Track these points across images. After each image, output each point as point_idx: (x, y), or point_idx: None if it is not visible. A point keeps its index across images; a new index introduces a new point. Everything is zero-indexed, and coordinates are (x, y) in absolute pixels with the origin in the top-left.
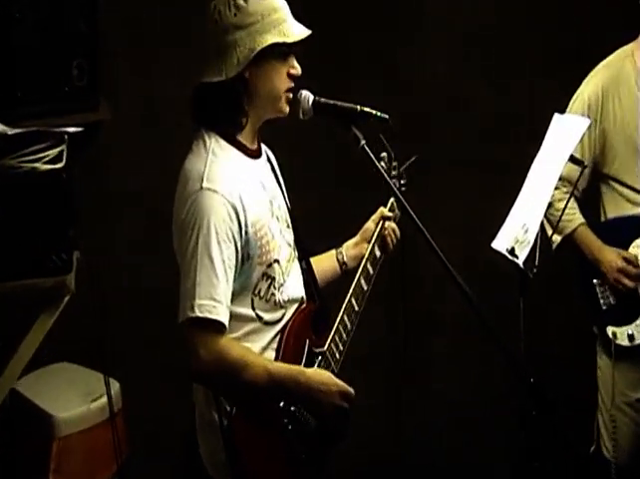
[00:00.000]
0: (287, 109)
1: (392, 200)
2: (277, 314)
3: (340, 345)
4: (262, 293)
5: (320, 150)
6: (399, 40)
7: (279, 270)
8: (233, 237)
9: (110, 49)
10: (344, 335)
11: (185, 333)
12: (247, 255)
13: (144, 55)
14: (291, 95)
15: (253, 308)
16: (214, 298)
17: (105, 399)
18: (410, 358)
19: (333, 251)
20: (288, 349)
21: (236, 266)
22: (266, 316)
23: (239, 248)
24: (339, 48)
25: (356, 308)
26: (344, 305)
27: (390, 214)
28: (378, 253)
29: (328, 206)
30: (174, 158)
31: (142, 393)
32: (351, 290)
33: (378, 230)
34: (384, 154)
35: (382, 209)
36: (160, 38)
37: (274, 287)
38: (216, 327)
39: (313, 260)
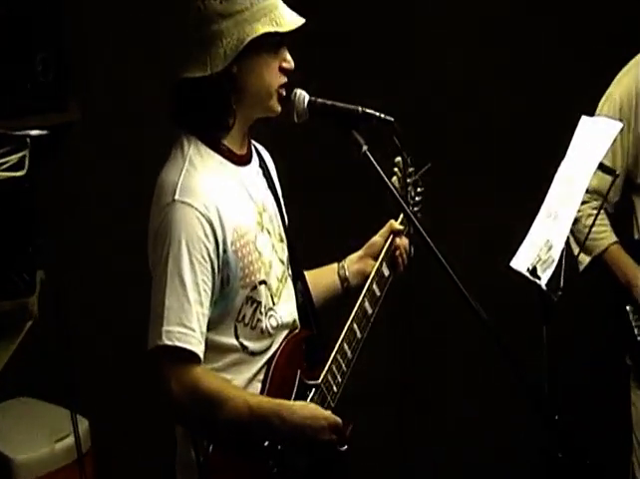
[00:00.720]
0: (279, 107)
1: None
2: (264, 343)
3: (338, 377)
4: (247, 320)
5: (316, 153)
6: (405, 37)
7: (266, 293)
8: (209, 256)
9: (79, 41)
10: (343, 366)
11: (155, 364)
12: (227, 277)
13: (117, 48)
14: (284, 92)
15: (237, 337)
16: (185, 324)
17: (71, 439)
18: (418, 394)
19: (335, 265)
20: (275, 382)
21: (214, 290)
22: (252, 346)
23: (216, 269)
24: (340, 43)
25: (358, 335)
26: (344, 332)
27: (401, 227)
28: (386, 273)
29: (326, 217)
30: (151, 164)
31: (113, 431)
32: (353, 314)
33: (387, 245)
34: (398, 158)
35: (392, 222)
36: (135, 28)
37: (260, 313)
38: (187, 357)
39: (311, 275)
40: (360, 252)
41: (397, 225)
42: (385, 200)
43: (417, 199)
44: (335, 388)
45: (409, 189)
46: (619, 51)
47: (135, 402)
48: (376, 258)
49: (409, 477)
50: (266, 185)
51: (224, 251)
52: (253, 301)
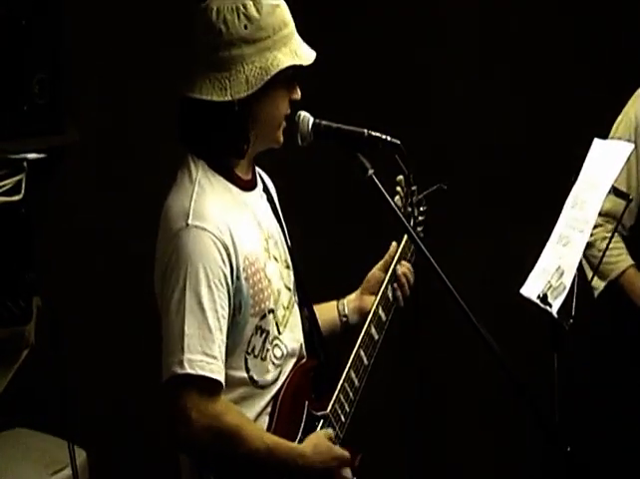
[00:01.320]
0: (282, 139)
1: (406, 237)
2: (273, 375)
3: (346, 406)
4: (257, 351)
5: (317, 176)
6: (415, 60)
7: (273, 322)
8: (226, 281)
9: (76, 62)
10: (351, 394)
11: (170, 394)
12: (239, 305)
13: (115, 69)
14: (285, 123)
15: (247, 370)
16: (207, 353)
17: (69, 471)
18: (424, 424)
19: (333, 303)
20: (283, 415)
21: (229, 317)
22: (261, 379)
23: (231, 295)
24: (345, 63)
25: (365, 362)
26: (351, 359)
27: (401, 254)
28: (391, 297)
29: (328, 244)
30: (151, 189)
31: (112, 463)
32: (359, 341)
33: (382, 289)
34: (400, 177)
35: (392, 249)
36: (135, 49)
37: (269, 342)
38: (211, 387)
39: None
40: (358, 290)
41: (398, 251)
42: (386, 225)
43: (420, 218)
44: (343, 418)
45: (412, 208)
46: (635, 71)
47: (134, 433)
48: (375, 293)
49: None
50: (270, 209)
51: (237, 278)
52: (262, 331)
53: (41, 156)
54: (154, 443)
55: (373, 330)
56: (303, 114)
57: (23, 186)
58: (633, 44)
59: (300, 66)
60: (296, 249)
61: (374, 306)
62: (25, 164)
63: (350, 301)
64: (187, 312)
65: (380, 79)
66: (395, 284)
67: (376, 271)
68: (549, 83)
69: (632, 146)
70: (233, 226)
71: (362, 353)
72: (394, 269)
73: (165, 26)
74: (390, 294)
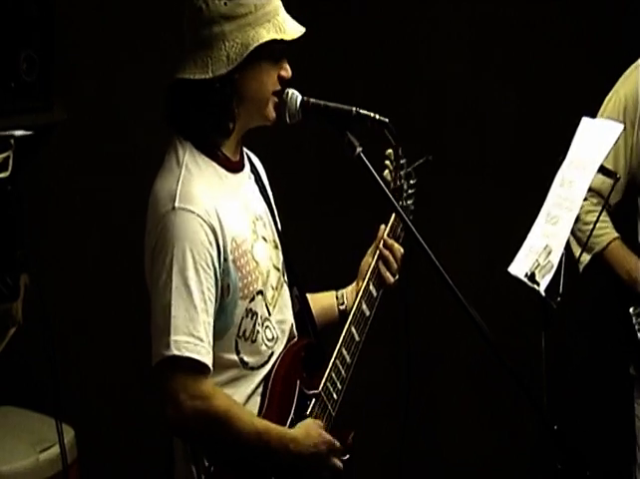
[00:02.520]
0: (274, 115)
1: (394, 215)
2: (264, 356)
3: (338, 384)
4: (247, 334)
5: (303, 157)
6: (405, 35)
7: (262, 303)
8: (213, 263)
9: (64, 39)
10: (342, 372)
11: (160, 376)
12: (227, 287)
13: (104, 46)
14: (277, 99)
15: (238, 352)
16: (194, 335)
17: (56, 449)
18: (415, 405)
19: (332, 292)
20: (275, 395)
21: (217, 300)
22: (252, 360)
23: (219, 278)
24: (336, 44)
25: (356, 339)
26: (342, 336)
27: (390, 231)
28: (374, 292)
29: (314, 226)
30: (141, 168)
31: (99, 442)
32: (350, 318)
33: (372, 265)
34: (389, 150)
35: (381, 229)
36: (123, 27)
37: (259, 324)
38: (198, 368)
39: (310, 298)
40: (354, 283)
41: (385, 233)
42: (377, 206)
43: (410, 191)
44: (335, 395)
45: (401, 181)
46: (623, 52)
47: (122, 411)
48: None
49: None
50: (258, 191)
51: (225, 260)
52: (253, 314)
53: (28, 133)
54: (142, 421)
55: (364, 307)
56: (291, 91)
57: (10, 163)
58: (623, 25)
59: (288, 43)
60: (285, 230)
61: (364, 283)
62: (12, 141)
63: (348, 291)
64: (174, 294)
65: (372, 58)
66: (380, 266)
67: (368, 258)
68: (542, 62)
69: (622, 126)
70: (220, 208)
71: (353, 330)
72: (375, 263)
73: (157, 5)
74: (372, 291)
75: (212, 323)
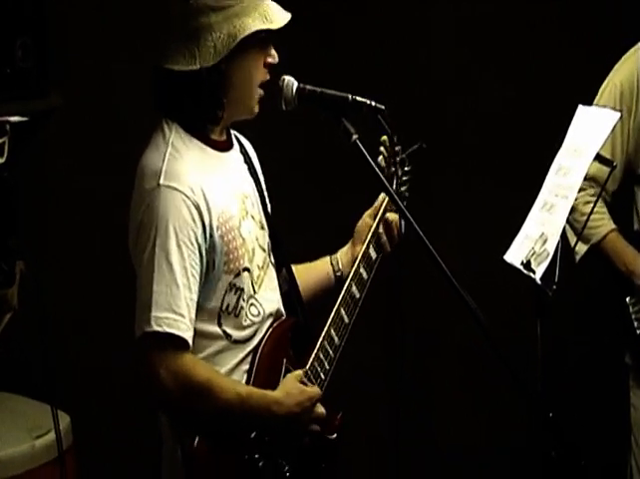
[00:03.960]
0: (257, 109)
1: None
2: (248, 332)
3: (326, 364)
4: (230, 308)
5: (293, 141)
6: (405, 35)
7: (248, 280)
8: (197, 240)
9: (60, 26)
10: (330, 352)
11: (142, 351)
12: (212, 262)
13: (100, 33)
14: (263, 92)
15: (220, 325)
16: (174, 310)
17: (52, 435)
18: (409, 392)
19: (326, 258)
20: (261, 371)
21: (201, 275)
22: (235, 334)
23: (203, 254)
24: (327, 32)
25: (346, 320)
26: (331, 317)
27: (387, 205)
28: (374, 255)
29: (305, 210)
30: (134, 153)
31: (95, 428)
32: (340, 299)
33: (374, 226)
34: (384, 137)
35: (380, 198)
36: (118, 14)
37: (243, 300)
38: (177, 344)
39: (302, 268)
40: (349, 243)
41: (385, 201)
42: (368, 190)
43: (404, 178)
44: (322, 375)
45: (396, 167)
46: (619, 40)
47: (117, 397)
48: (364, 242)
49: (398, 471)
50: (248, 171)
51: (211, 236)
52: (237, 289)
53: (24, 119)
54: (137, 407)
55: (354, 289)
56: (287, 78)
57: (6, 149)
58: (619, 22)
59: (275, 31)
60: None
61: (355, 265)
62: (7, 127)
63: (343, 254)
64: (156, 270)
65: (371, 57)
66: (381, 230)
67: (365, 219)
68: (540, 60)
69: (618, 114)
70: (207, 185)
71: (342, 312)
72: (376, 227)
73: None
74: (372, 253)
75: (195, 299)
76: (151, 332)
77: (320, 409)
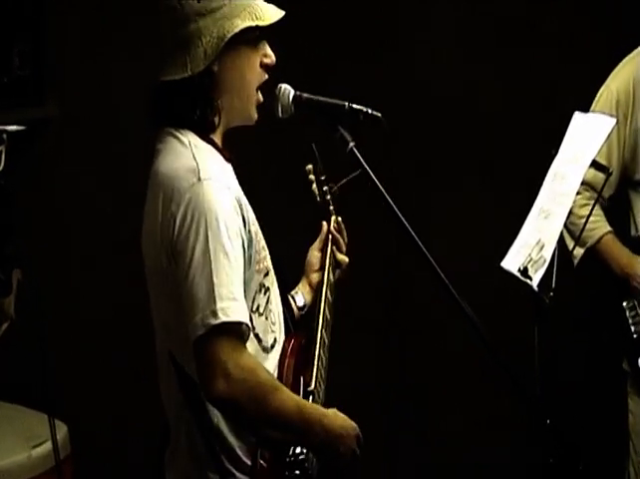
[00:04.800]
0: (255, 115)
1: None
2: (271, 337)
3: (321, 383)
4: (262, 309)
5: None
6: (395, 28)
7: (272, 280)
8: (240, 233)
9: (57, 34)
10: (322, 372)
11: (206, 349)
12: (249, 258)
13: (97, 42)
14: (261, 97)
15: (253, 327)
16: (236, 298)
17: (49, 445)
18: (407, 398)
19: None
20: (288, 388)
21: (243, 269)
22: (264, 339)
23: (245, 248)
24: (324, 37)
25: (326, 341)
26: (318, 339)
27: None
28: (332, 278)
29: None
30: (132, 161)
31: (93, 437)
32: (320, 322)
33: (329, 252)
34: (309, 166)
35: (324, 229)
36: (117, 22)
37: (270, 302)
38: (243, 332)
39: None
40: (303, 277)
41: (325, 229)
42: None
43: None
44: (321, 394)
45: (327, 196)
46: (619, 42)
47: (115, 406)
48: (320, 269)
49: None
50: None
51: (249, 231)
52: (266, 290)
53: (21, 128)
54: (135, 417)
55: (327, 313)
56: (284, 86)
57: (3, 157)
58: (618, 13)
59: (267, 27)
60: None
61: (327, 272)
62: (5, 136)
63: (299, 289)
64: (214, 263)
65: (361, 58)
66: (334, 251)
67: (314, 252)
68: (532, 58)
69: (614, 120)
70: (233, 185)
71: (324, 333)
72: (331, 251)
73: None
74: (331, 277)
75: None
76: (218, 325)
77: (357, 449)
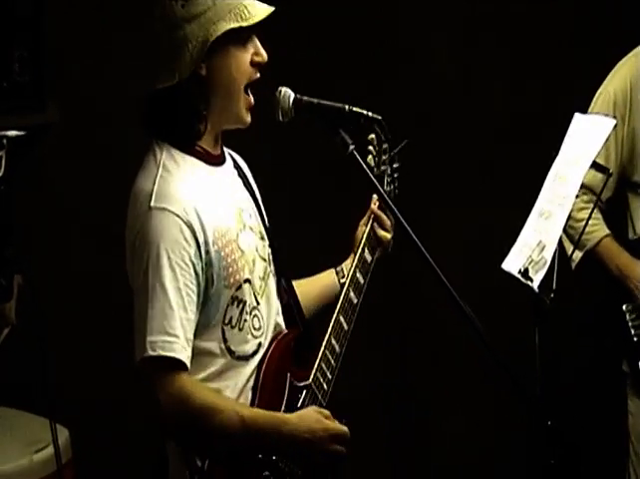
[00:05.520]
0: (248, 118)
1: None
2: (252, 346)
3: (328, 374)
4: (234, 322)
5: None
6: (391, 35)
7: (250, 291)
8: (191, 260)
9: (58, 40)
10: (332, 361)
11: (142, 377)
12: (211, 278)
13: (98, 47)
14: (252, 100)
15: (225, 340)
16: (168, 332)
17: (51, 449)
18: (408, 400)
19: (331, 269)
20: (267, 388)
21: (199, 293)
22: (239, 349)
23: (200, 272)
24: (324, 37)
25: (345, 327)
26: (331, 326)
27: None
28: (368, 258)
29: (307, 216)
30: (131, 167)
31: (94, 442)
32: (338, 307)
33: (367, 230)
34: (372, 135)
35: (373, 199)
36: (117, 28)
37: (246, 313)
38: (174, 366)
39: (306, 281)
40: (352, 254)
41: (375, 205)
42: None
43: (394, 175)
44: (325, 386)
45: (385, 166)
46: (620, 41)
47: (117, 411)
48: (359, 246)
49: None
50: (242, 185)
51: (207, 252)
52: (239, 302)
53: (21, 133)
54: (136, 421)
55: (352, 294)
56: (284, 89)
57: (3, 163)
58: (618, 12)
59: (256, 26)
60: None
61: (351, 271)
62: (5, 141)
63: (347, 264)
64: (150, 294)
65: (359, 55)
66: (375, 228)
67: (361, 227)
68: (533, 57)
69: (614, 121)
70: (201, 201)
71: (342, 319)
72: (369, 230)
73: (148, 7)
74: (367, 256)
75: (193, 318)
76: (147, 358)
77: (338, 448)
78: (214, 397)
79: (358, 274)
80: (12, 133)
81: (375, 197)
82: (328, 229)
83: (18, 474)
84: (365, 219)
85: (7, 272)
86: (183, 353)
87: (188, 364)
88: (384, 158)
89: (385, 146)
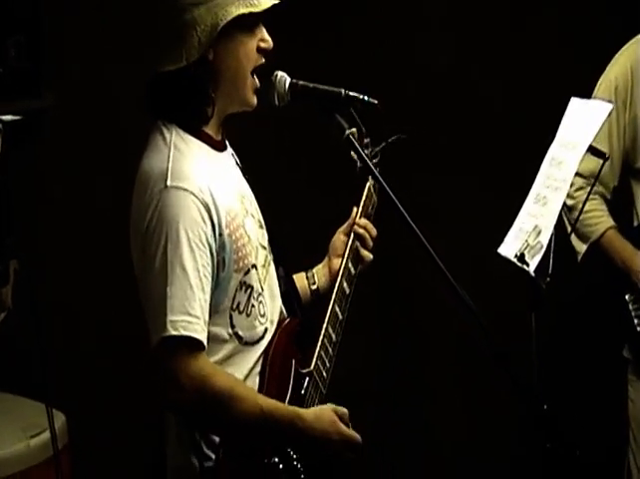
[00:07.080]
0: (254, 99)
1: (365, 193)
2: (259, 331)
3: (327, 362)
4: (242, 307)
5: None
6: (395, 22)
7: (256, 277)
8: (207, 240)
9: (54, 25)
10: (330, 349)
11: (159, 358)
12: (223, 261)
13: (94, 33)
14: (258, 83)
15: (232, 326)
16: (190, 313)
17: (47, 434)
18: (404, 387)
19: (302, 273)
20: (274, 375)
21: (213, 275)
22: (247, 335)
23: (214, 254)
24: (324, 29)
25: (340, 317)
26: (328, 315)
27: (363, 212)
28: (352, 270)
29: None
30: (130, 154)
31: (91, 427)
32: (334, 296)
33: (350, 244)
34: (353, 129)
35: (354, 211)
36: (113, 13)
37: (254, 298)
38: (194, 347)
39: None
40: (325, 259)
41: (357, 215)
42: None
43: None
44: (325, 374)
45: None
46: (614, 37)
47: (114, 396)
48: (342, 256)
49: (393, 469)
50: (240, 173)
51: (220, 235)
52: (247, 287)
53: (17, 118)
54: (133, 406)
55: (345, 285)
56: (280, 74)
57: None
58: (609, 17)
59: (262, 13)
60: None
61: (344, 261)
62: (0, 126)
63: (319, 270)
64: (169, 273)
65: (360, 52)
66: (358, 246)
67: (340, 235)
68: (530, 56)
69: (611, 105)
70: (212, 183)
71: (337, 309)
72: (352, 241)
73: None
74: (351, 268)
75: (209, 300)
76: (167, 337)
77: (348, 455)
78: (235, 384)
79: (345, 284)
80: (7, 117)
81: (355, 209)
82: (320, 220)
83: (14, 459)
84: (345, 227)
85: (4, 258)
86: (203, 335)
87: (206, 346)
88: (366, 152)
89: (366, 140)
